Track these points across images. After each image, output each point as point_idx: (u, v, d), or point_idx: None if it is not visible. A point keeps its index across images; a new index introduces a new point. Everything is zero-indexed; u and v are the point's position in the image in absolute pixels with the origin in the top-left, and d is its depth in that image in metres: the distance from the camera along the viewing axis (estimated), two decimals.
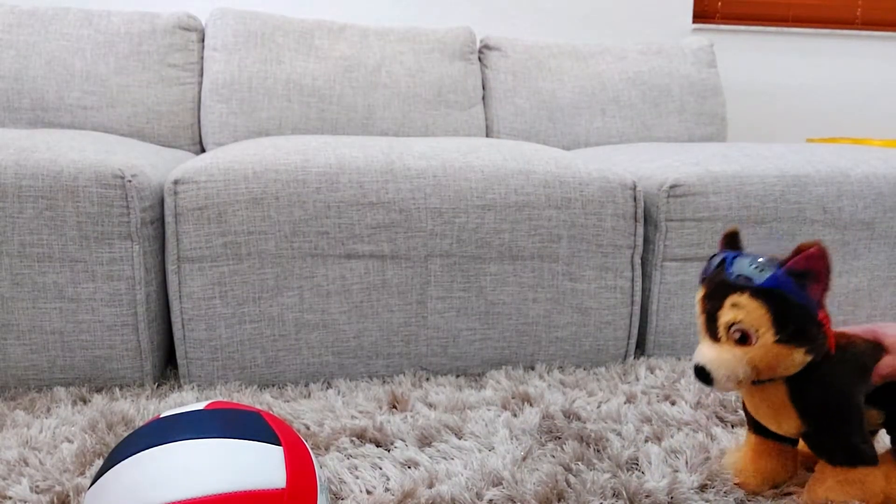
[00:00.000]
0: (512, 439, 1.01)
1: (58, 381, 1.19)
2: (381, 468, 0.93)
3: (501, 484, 0.88)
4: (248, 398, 1.16)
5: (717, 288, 0.76)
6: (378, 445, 1.00)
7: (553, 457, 0.96)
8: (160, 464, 0.60)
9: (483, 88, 2.08)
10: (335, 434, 1.01)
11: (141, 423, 1.02)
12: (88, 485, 0.66)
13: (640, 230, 1.34)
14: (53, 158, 1.14)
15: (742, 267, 0.74)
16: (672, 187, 1.33)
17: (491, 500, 0.84)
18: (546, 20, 2.40)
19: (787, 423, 0.80)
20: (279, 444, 0.65)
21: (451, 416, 1.08)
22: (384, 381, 1.25)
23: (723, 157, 1.41)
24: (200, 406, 0.69)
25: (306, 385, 1.25)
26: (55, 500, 0.82)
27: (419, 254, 1.25)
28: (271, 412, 0.98)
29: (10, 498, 0.83)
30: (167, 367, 1.31)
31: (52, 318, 1.16)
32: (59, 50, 1.77)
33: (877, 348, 0.81)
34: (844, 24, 2.64)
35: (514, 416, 1.09)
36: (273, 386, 1.24)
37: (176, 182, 1.18)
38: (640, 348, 1.42)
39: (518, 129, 2.03)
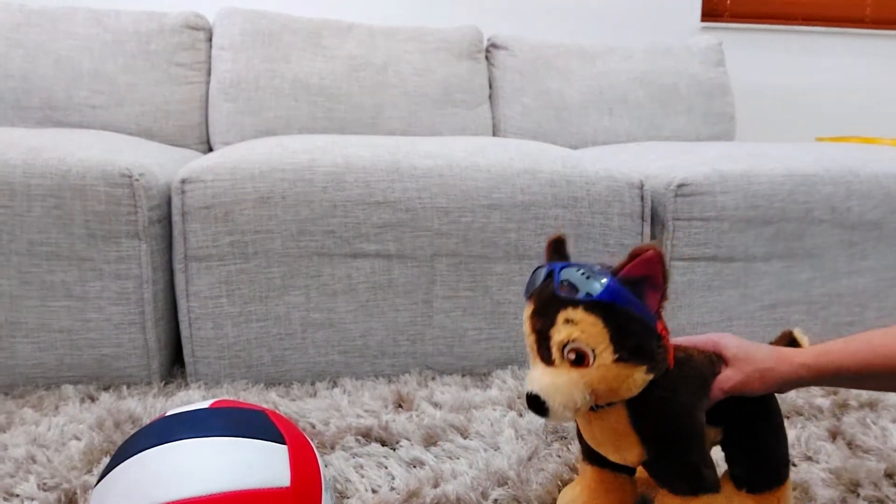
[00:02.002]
0: (517, 439, 1.01)
1: (65, 380, 1.20)
2: (386, 467, 0.93)
3: (507, 484, 0.88)
4: (254, 397, 1.16)
5: (548, 303, 0.67)
6: (384, 444, 1.00)
7: (559, 457, 0.96)
8: (165, 462, 0.61)
9: (490, 87, 2.08)
10: (341, 433, 1.02)
11: (147, 422, 1.03)
12: (95, 482, 0.66)
13: (647, 229, 1.34)
14: (62, 157, 1.14)
15: (572, 278, 0.66)
16: (679, 186, 1.32)
17: (496, 500, 0.84)
18: (554, 19, 2.39)
19: (628, 452, 0.72)
20: (284, 443, 0.65)
21: (457, 415, 1.08)
22: (390, 381, 1.25)
23: (731, 157, 1.41)
24: (206, 405, 0.70)
25: (312, 384, 1.25)
26: (62, 498, 0.83)
27: (425, 253, 1.25)
28: (277, 411, 0.98)
29: (18, 496, 0.84)
30: (174, 366, 1.31)
31: (59, 317, 1.17)
32: (67, 49, 1.78)
33: (715, 361, 0.75)
34: (853, 22, 2.63)
35: (520, 415, 1.09)
36: (279, 384, 1.24)
37: (183, 181, 1.18)
38: None
39: (525, 128, 2.03)
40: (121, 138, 1.46)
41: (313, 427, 1.05)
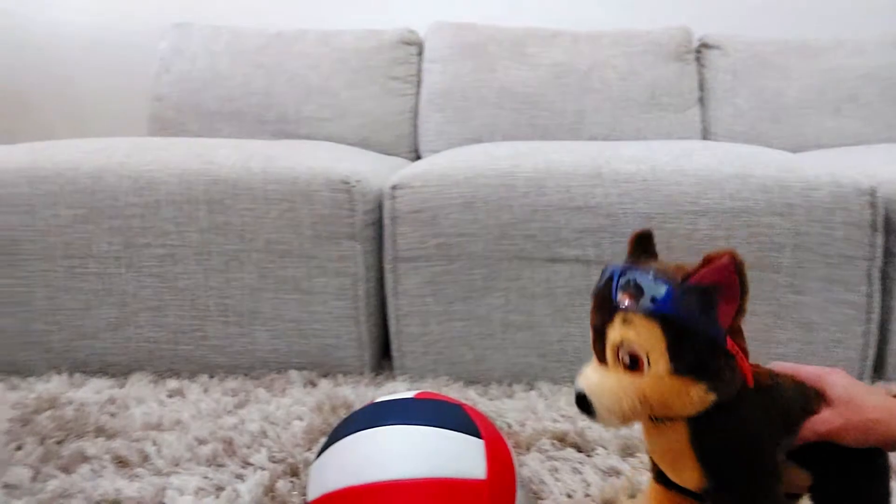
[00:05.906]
0: None
1: (293, 365, 1.33)
2: (581, 473, 0.93)
3: None
4: (454, 393, 1.21)
5: (606, 301, 0.63)
6: (579, 451, 1.00)
7: None
8: (375, 444, 0.66)
9: (700, 90, 1.98)
10: (536, 435, 1.03)
11: (359, 407, 1.11)
12: (314, 458, 0.73)
13: (880, 240, 1.21)
14: (293, 166, 1.28)
15: (637, 281, 0.61)
16: None
17: None
18: (773, 14, 2.22)
19: (685, 474, 0.65)
20: (480, 438, 0.68)
21: None
22: None
23: None
24: (410, 395, 0.75)
25: (510, 385, 1.27)
26: (288, 470, 0.93)
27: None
28: (475, 407, 1.02)
29: (252, 465, 0.96)
30: (383, 359, 1.41)
31: (290, 308, 1.30)
32: (299, 67, 1.97)
33: (811, 397, 0.65)
34: None
35: None
36: (478, 383, 1.28)
37: (394, 187, 1.27)
38: (878, 371, 1.27)
39: (737, 131, 1.91)
40: (342, 148, 1.60)
41: (509, 427, 1.08)
